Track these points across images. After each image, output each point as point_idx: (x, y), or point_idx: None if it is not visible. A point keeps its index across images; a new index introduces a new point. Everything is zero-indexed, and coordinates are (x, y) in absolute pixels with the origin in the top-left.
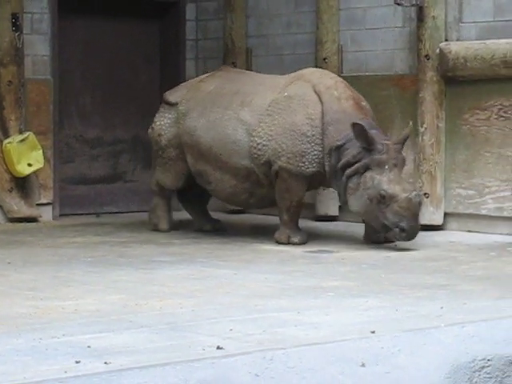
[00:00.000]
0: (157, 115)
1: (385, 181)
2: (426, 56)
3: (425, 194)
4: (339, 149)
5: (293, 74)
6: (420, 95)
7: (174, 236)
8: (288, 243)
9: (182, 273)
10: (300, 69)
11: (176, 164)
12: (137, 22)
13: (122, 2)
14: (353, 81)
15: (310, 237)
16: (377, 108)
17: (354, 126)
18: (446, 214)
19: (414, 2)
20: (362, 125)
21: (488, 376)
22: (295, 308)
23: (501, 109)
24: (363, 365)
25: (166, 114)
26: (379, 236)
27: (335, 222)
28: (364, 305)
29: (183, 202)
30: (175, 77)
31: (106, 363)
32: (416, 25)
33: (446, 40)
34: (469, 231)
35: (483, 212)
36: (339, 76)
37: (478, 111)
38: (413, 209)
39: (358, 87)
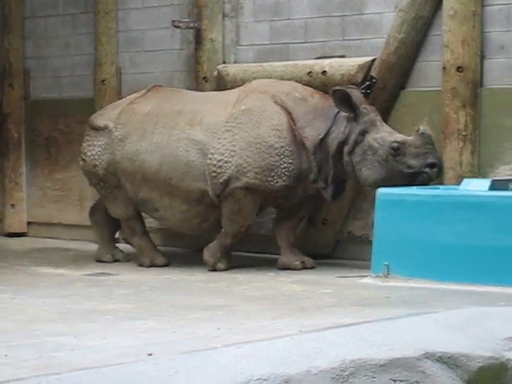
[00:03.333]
0: (84, 145)
1: (386, 135)
2: (204, 78)
3: None
4: (323, 141)
5: (242, 88)
6: None
7: None
8: (214, 269)
9: None
10: (78, 91)
11: (121, 190)
12: None
13: None
14: None
15: (89, 260)
16: None
17: (335, 92)
18: None
19: (192, 25)
20: (344, 90)
21: None
22: (72, 332)
23: None
24: None
25: (95, 142)
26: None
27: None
28: (142, 327)
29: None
30: None
31: None
32: (194, 47)
33: (224, 62)
34: None
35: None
36: (119, 98)
37: None
38: (429, 141)
39: None
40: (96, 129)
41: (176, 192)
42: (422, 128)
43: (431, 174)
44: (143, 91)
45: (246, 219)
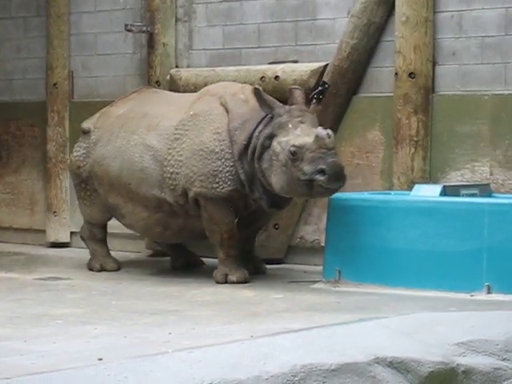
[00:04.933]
0: (75, 146)
1: (291, 138)
2: (157, 82)
3: None
4: (247, 148)
5: (201, 90)
6: None
7: None
8: (225, 282)
9: None
10: (30, 94)
11: (100, 195)
12: None
13: None
14: (84, 106)
15: (40, 264)
16: None
17: (254, 91)
18: None
19: (145, 29)
20: (259, 88)
21: None
22: (22, 336)
23: None
24: None
25: (82, 144)
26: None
27: (67, 249)
28: (92, 332)
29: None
30: None
31: None
32: (147, 51)
33: (177, 67)
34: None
35: None
36: (71, 101)
37: None
38: (325, 144)
39: (90, 113)
40: (83, 131)
41: (136, 198)
42: (318, 130)
43: (323, 181)
44: (130, 92)
45: (221, 225)
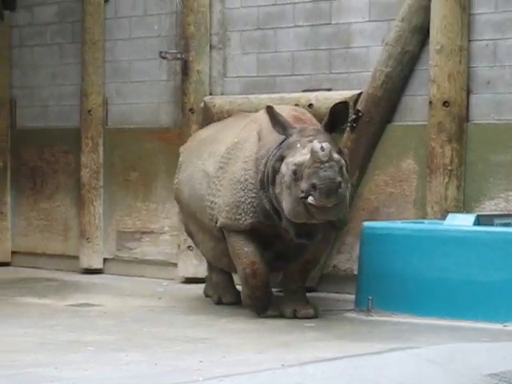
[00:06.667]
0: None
1: (297, 156)
2: (191, 110)
3: None
4: (265, 167)
5: (252, 116)
6: None
7: None
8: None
9: None
10: (65, 121)
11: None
12: None
13: None
14: (118, 133)
15: (73, 290)
16: (141, 161)
17: (267, 109)
18: None
19: (179, 56)
20: (272, 106)
21: None
22: (53, 363)
23: None
24: None
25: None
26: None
27: (100, 275)
28: (124, 359)
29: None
30: None
31: None
32: (181, 78)
33: (211, 94)
34: None
35: None
36: (105, 128)
37: None
38: (318, 158)
39: (123, 140)
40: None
41: (203, 227)
42: (313, 143)
43: (315, 197)
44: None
45: (242, 258)
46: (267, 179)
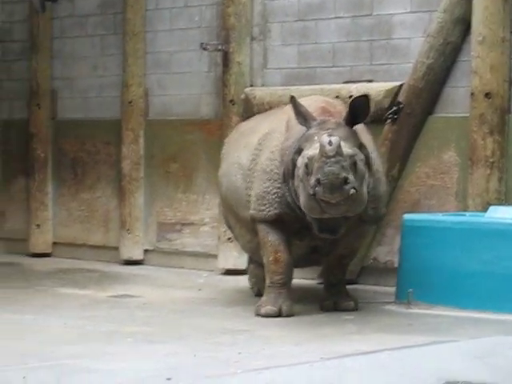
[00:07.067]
0: None
1: (310, 150)
2: (231, 101)
3: None
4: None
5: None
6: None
7: None
8: (257, 314)
9: None
10: (105, 112)
11: None
12: None
13: None
14: (159, 124)
15: (113, 281)
16: (182, 152)
17: (290, 99)
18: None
19: (220, 48)
20: (294, 97)
21: None
22: (92, 354)
23: None
24: None
25: None
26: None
27: (140, 266)
28: (162, 351)
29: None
30: None
31: None
32: (221, 70)
33: (251, 85)
34: None
35: None
36: (146, 119)
37: None
38: (325, 152)
39: (164, 131)
40: None
41: (240, 220)
42: (322, 138)
43: (319, 192)
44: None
45: (267, 247)
46: (288, 171)
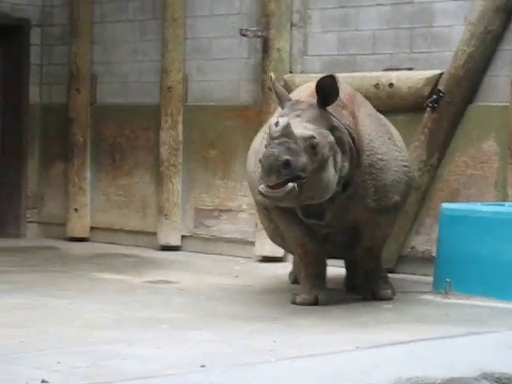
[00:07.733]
0: None
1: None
2: (270, 88)
3: None
4: None
5: None
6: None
7: (12, 263)
8: (293, 302)
9: (16, 302)
10: (144, 97)
11: None
12: None
13: None
14: (197, 110)
15: (150, 267)
16: (221, 138)
17: (271, 80)
18: None
19: (259, 34)
20: (274, 79)
21: None
22: (127, 340)
23: None
24: None
25: None
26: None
27: (177, 252)
28: (197, 338)
29: None
30: (18, 102)
31: None
32: (261, 56)
33: (291, 72)
34: None
35: None
36: (185, 105)
37: None
38: (271, 134)
39: (203, 117)
40: None
41: (257, 205)
42: (273, 119)
43: (260, 175)
44: None
45: (293, 241)
46: None
